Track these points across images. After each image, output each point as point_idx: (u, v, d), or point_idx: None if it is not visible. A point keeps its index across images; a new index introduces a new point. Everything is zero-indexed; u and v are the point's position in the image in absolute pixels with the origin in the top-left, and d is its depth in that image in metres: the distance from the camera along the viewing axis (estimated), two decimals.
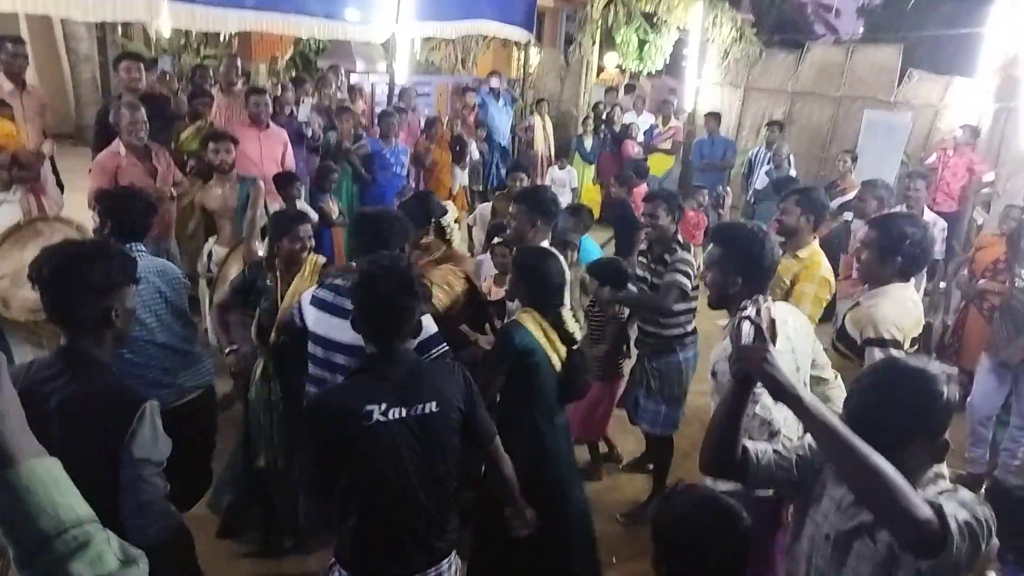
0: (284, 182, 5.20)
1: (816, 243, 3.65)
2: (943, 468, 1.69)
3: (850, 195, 6.56)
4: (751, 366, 1.61)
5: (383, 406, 1.99)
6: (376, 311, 2.07)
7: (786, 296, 3.54)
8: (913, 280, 3.05)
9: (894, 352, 2.69)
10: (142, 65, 5.31)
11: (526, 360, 2.74)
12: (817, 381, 2.66)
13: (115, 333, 1.99)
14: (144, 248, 3.07)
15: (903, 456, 1.58)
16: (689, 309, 3.79)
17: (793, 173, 7.98)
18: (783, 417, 2.32)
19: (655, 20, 10.77)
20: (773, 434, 2.31)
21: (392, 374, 2.06)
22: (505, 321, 3.09)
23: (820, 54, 9.96)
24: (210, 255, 4.69)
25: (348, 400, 2.03)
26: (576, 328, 2.92)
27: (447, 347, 2.67)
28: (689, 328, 3.83)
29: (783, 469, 1.86)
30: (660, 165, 9.68)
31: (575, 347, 2.91)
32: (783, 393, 1.57)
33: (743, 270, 2.43)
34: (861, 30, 22.85)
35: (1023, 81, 6.80)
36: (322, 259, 3.34)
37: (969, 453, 4.39)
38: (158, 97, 5.52)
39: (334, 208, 5.81)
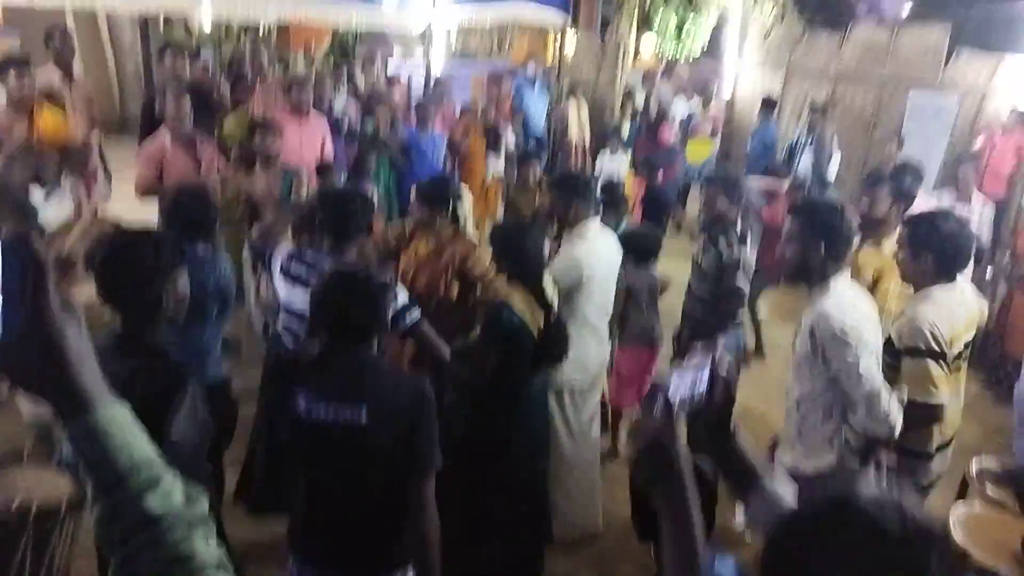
0: (321, 170, 5.35)
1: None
2: None
3: None
4: (637, 444, 1.21)
5: (306, 395, 1.95)
6: (334, 324, 2.04)
7: (870, 292, 3.35)
8: (960, 277, 2.89)
9: (932, 363, 2.61)
10: (186, 55, 5.43)
11: (515, 338, 2.87)
12: None
13: (166, 316, 2.06)
14: (203, 247, 3.02)
15: None
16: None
17: (837, 157, 7.80)
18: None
19: (694, 1, 10.58)
20: None
21: (331, 369, 2.01)
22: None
23: (864, 34, 9.68)
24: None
25: (288, 376, 2.04)
26: (554, 295, 3.11)
27: (419, 314, 2.81)
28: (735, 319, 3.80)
29: None
30: (700, 151, 9.49)
31: (552, 313, 3.04)
32: (664, 478, 1.18)
33: (826, 238, 2.54)
34: (908, 7, 22.19)
35: None
36: None
37: (1016, 444, 4.27)
38: (202, 87, 5.63)
39: (373, 194, 5.91)
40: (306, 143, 5.50)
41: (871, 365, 2.45)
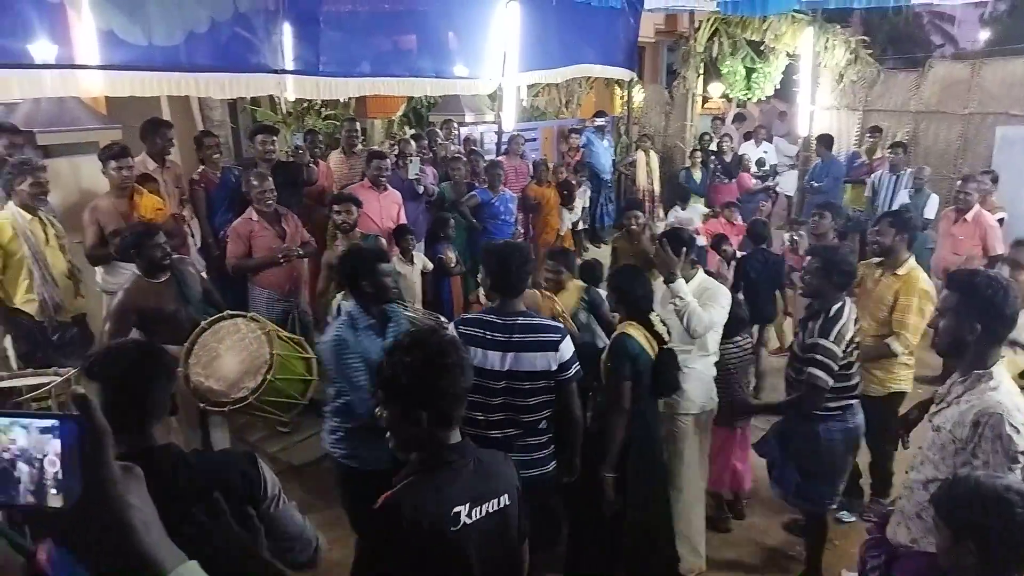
0: (398, 235, 5.56)
1: (912, 260, 4.00)
2: None
3: (999, 215, 6.17)
4: None
5: (467, 506, 1.78)
6: (447, 394, 1.79)
7: (890, 312, 3.88)
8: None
9: None
10: (275, 137, 5.78)
11: (637, 363, 3.27)
12: None
13: None
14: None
15: None
16: (842, 388, 3.39)
17: (935, 199, 7.40)
18: None
19: (763, 48, 10.50)
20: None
21: (465, 467, 1.82)
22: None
23: (943, 71, 9.39)
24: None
25: (437, 501, 1.76)
26: (664, 330, 3.43)
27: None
28: (834, 404, 3.38)
29: None
30: (858, 196, 8.55)
31: (665, 346, 3.40)
32: None
33: (984, 318, 2.32)
34: (984, 37, 21.47)
35: None
36: None
37: None
38: (291, 165, 5.91)
39: (451, 258, 6.02)
40: (384, 214, 5.73)
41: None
